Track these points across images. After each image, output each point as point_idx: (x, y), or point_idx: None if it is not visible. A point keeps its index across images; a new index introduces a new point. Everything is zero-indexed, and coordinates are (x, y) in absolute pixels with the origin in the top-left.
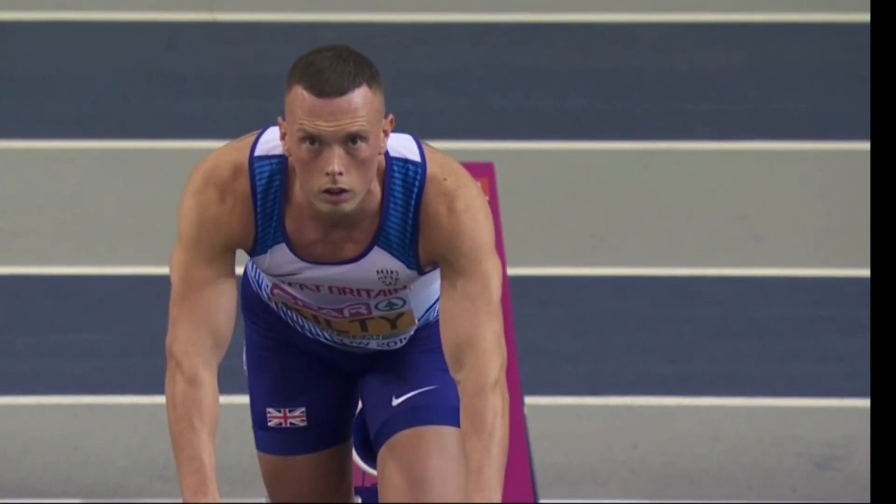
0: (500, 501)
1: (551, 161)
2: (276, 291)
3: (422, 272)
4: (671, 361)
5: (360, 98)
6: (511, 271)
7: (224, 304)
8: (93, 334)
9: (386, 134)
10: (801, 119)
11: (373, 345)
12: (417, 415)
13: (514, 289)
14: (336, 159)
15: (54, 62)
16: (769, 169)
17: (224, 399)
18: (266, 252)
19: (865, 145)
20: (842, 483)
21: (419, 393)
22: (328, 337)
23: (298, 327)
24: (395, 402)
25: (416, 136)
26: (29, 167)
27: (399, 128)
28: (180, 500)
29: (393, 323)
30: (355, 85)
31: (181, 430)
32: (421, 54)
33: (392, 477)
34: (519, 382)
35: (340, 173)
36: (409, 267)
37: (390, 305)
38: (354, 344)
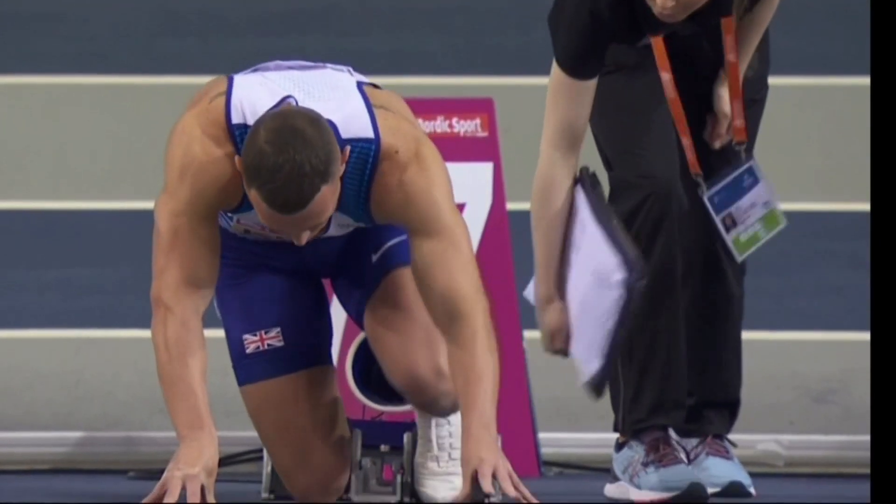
0: (494, 425)
1: (545, 97)
2: (243, 219)
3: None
4: None
5: (321, 203)
6: (509, 206)
7: (211, 255)
8: (93, 269)
9: (343, 162)
10: (797, 55)
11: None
12: (387, 263)
13: (513, 224)
14: (301, 238)
15: (55, 0)
16: (766, 105)
17: (222, 334)
18: (246, 212)
19: (862, 80)
20: (839, 416)
21: (386, 248)
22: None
23: (262, 240)
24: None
25: (367, 96)
26: (29, 104)
27: (397, 66)
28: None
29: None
30: (314, 192)
31: (174, 370)
32: None
33: (377, 319)
34: (518, 316)
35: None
36: (365, 224)
37: (350, 228)
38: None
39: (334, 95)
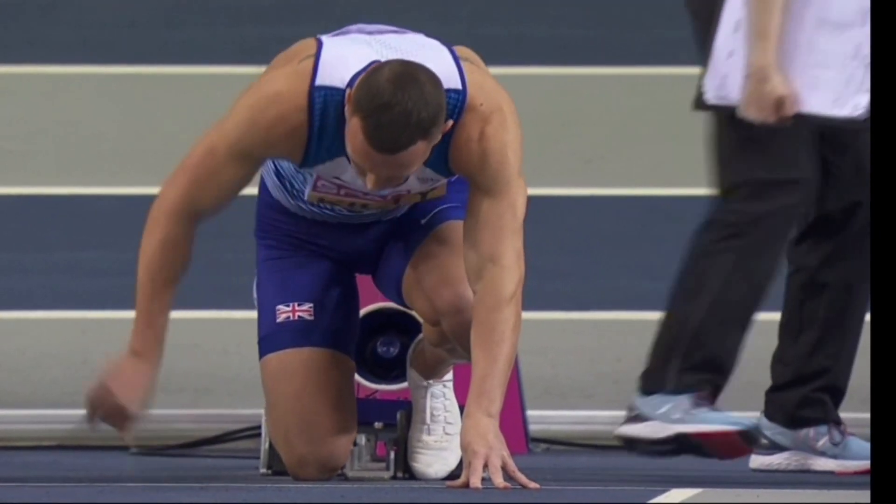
0: (498, 411)
1: (541, 87)
2: (320, 183)
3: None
4: (654, 278)
5: (412, 154)
6: None
7: (220, 195)
8: (98, 252)
9: (443, 132)
10: None
11: (395, 212)
12: (434, 220)
13: None
14: (375, 185)
15: None
16: None
17: (225, 314)
18: (322, 163)
19: None
20: None
21: (435, 212)
22: (351, 213)
23: (318, 217)
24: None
25: (454, 51)
26: (36, 91)
27: None
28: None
29: (424, 195)
30: (411, 143)
31: (146, 293)
32: None
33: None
34: None
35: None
36: (442, 175)
37: (429, 183)
38: (375, 214)
39: (423, 53)
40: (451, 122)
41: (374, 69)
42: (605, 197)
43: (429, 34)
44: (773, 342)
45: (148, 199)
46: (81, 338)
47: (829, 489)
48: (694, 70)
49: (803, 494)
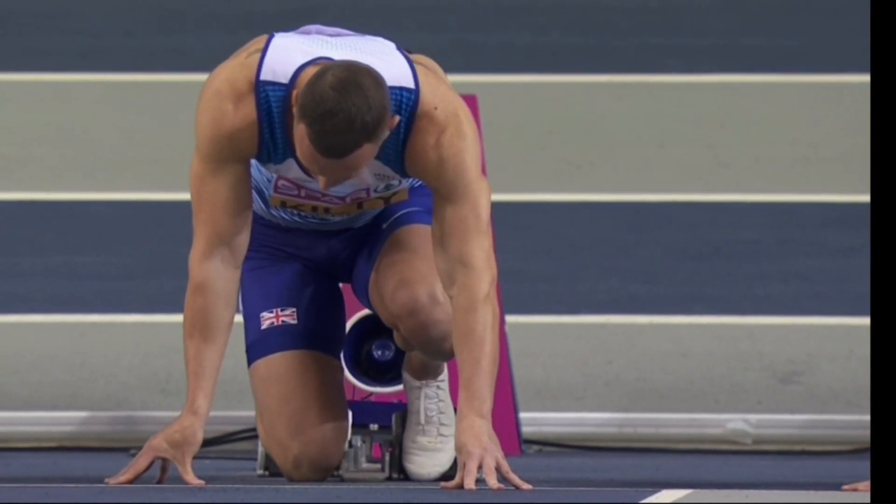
0: (489, 411)
1: (530, 94)
2: (280, 183)
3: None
4: (643, 282)
5: (358, 157)
6: (493, 198)
7: (236, 204)
8: (96, 257)
9: (390, 128)
10: (766, 53)
11: (363, 220)
12: (395, 225)
13: (496, 214)
14: (326, 185)
15: None
16: (736, 101)
17: None
18: (273, 163)
19: (825, 78)
20: (804, 396)
21: (396, 216)
22: (317, 219)
23: (291, 224)
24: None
25: (408, 57)
26: (34, 98)
27: None
28: (181, 412)
29: (387, 200)
30: (357, 147)
31: (188, 348)
32: None
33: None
34: (501, 303)
35: None
36: (400, 175)
37: (388, 187)
38: (343, 221)
39: (376, 50)
40: (397, 118)
41: (318, 75)
42: (595, 202)
43: (388, 38)
44: (754, 346)
45: (144, 205)
46: (79, 341)
47: (825, 490)
48: (682, 78)
49: (792, 495)
